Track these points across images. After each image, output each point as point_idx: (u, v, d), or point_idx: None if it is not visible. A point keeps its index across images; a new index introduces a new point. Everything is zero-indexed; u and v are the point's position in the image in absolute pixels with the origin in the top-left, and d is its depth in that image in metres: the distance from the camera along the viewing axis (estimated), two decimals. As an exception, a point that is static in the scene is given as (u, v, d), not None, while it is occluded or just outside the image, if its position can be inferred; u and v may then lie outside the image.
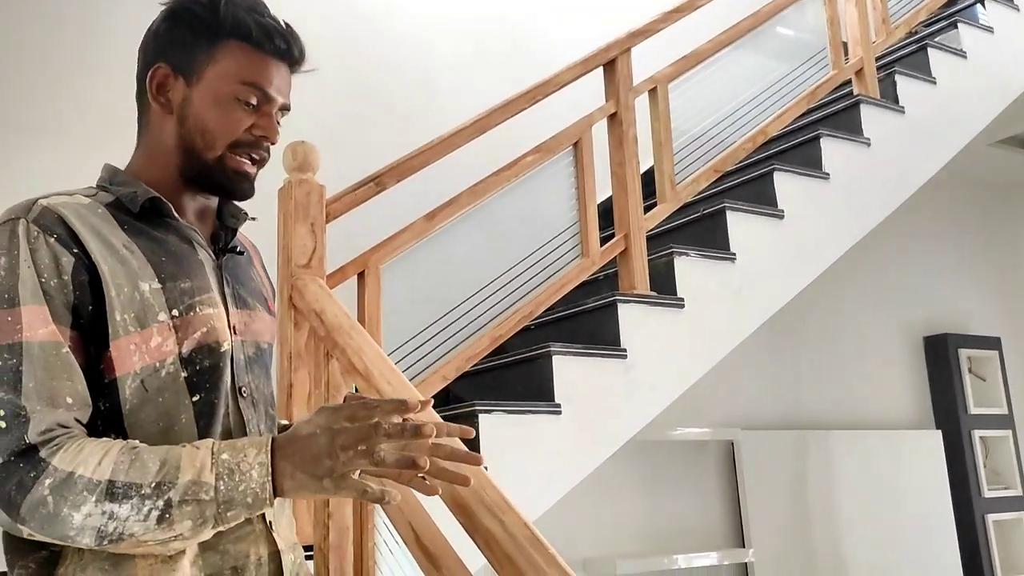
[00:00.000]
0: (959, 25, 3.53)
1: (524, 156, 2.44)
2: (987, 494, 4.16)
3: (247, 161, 1.03)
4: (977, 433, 4.25)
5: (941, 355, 4.35)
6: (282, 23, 1.05)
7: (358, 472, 0.87)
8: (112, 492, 0.82)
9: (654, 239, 2.72)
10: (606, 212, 2.64)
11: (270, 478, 0.84)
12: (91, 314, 0.91)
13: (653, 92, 2.73)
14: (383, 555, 1.76)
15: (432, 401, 1.06)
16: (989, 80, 3.51)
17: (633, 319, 2.39)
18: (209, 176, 1.03)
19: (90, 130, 2.65)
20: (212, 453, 0.85)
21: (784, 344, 3.87)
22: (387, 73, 3.31)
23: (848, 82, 3.27)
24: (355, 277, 2.17)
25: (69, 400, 0.87)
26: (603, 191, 2.69)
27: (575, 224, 2.53)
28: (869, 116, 3.08)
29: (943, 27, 3.59)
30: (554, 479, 2.18)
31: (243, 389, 1.01)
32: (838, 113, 3.14)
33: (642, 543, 3.32)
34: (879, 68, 3.31)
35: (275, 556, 0.99)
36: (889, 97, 3.20)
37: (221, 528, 0.86)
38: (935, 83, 3.32)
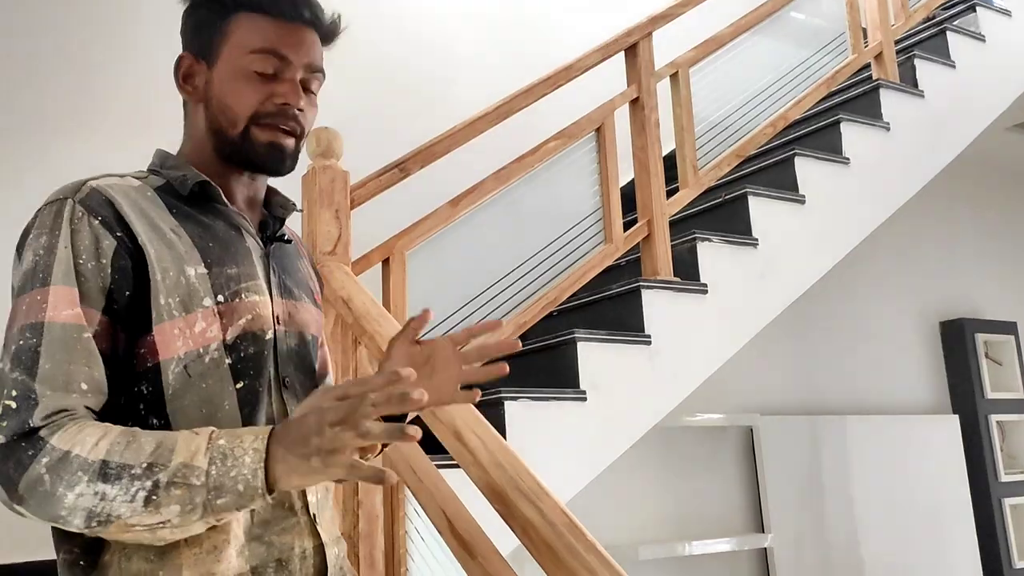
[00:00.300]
0: (977, 8, 3.51)
1: (547, 142, 2.43)
2: (1004, 478, 4.16)
3: (277, 132, 1.00)
4: (994, 418, 4.24)
5: (958, 340, 4.33)
6: None
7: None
8: (105, 472, 0.79)
9: (676, 224, 2.71)
10: (627, 197, 2.63)
11: (263, 464, 0.80)
12: (128, 299, 0.90)
13: (674, 77, 2.71)
14: (414, 543, 1.76)
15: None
16: (1007, 64, 3.48)
17: (657, 305, 2.38)
18: (239, 153, 1.00)
19: (126, 119, 2.65)
20: (209, 438, 0.82)
21: (802, 330, 3.86)
22: (408, 60, 3.30)
23: (867, 66, 3.25)
24: (380, 264, 2.16)
25: (84, 386, 0.86)
26: (623, 176, 2.67)
27: (598, 210, 2.52)
28: (888, 100, 3.06)
29: (961, 10, 3.57)
30: (580, 466, 2.18)
31: (286, 379, 0.99)
32: (857, 98, 3.12)
33: (662, 529, 3.33)
34: (898, 52, 3.28)
35: (319, 549, 0.97)
36: (908, 81, 3.18)
37: (212, 520, 0.82)
38: (954, 67, 3.30)
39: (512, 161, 2.37)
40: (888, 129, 3.01)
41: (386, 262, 2.16)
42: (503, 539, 1.57)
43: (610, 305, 2.47)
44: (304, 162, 2.02)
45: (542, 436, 2.12)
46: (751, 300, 2.57)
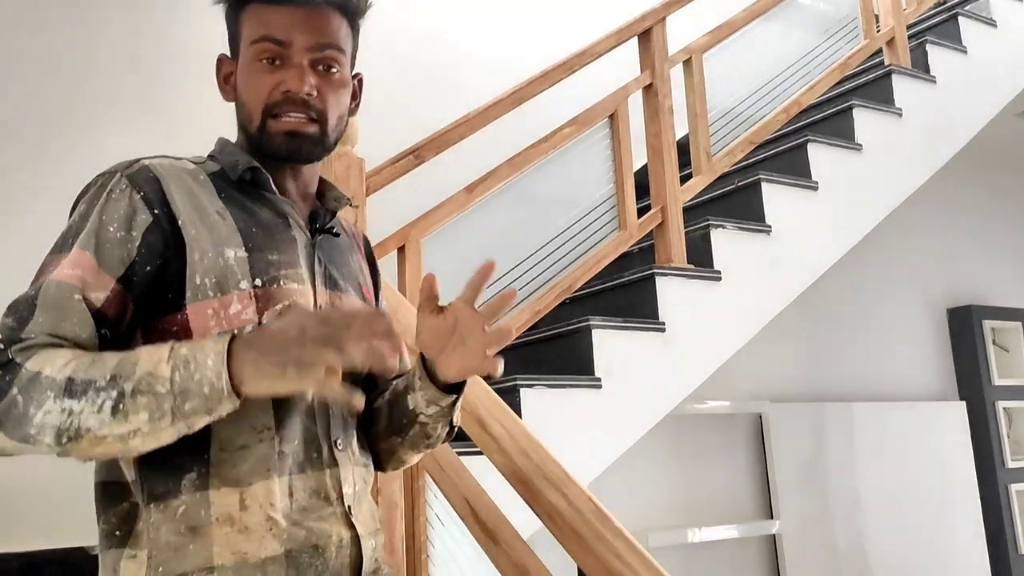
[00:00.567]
0: (989, -8, 3.49)
1: (561, 128, 2.42)
2: (1011, 464, 4.17)
3: (290, 121, 0.98)
4: (1001, 404, 4.25)
5: (965, 326, 4.34)
6: None
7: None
8: (71, 389, 0.80)
9: (689, 211, 2.70)
10: (639, 183, 2.62)
11: (226, 366, 0.80)
12: (150, 275, 0.90)
13: (688, 63, 2.70)
14: (435, 529, 1.76)
15: None
16: (1019, 49, 3.47)
17: (671, 292, 2.37)
18: (262, 147, 1.00)
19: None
20: (171, 348, 0.82)
21: (811, 317, 3.86)
22: (422, 45, 3.28)
23: (879, 52, 3.24)
24: (395, 251, 2.16)
25: (74, 344, 0.87)
26: (635, 161, 2.66)
27: (612, 197, 2.51)
28: (901, 86, 3.05)
29: (973, -5, 3.55)
30: (595, 453, 2.18)
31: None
32: (870, 83, 3.11)
33: (672, 515, 3.33)
34: (910, 37, 3.27)
35: (355, 540, 0.96)
36: (920, 67, 3.17)
37: (183, 427, 0.82)
38: (966, 52, 3.28)
39: (526, 148, 2.36)
40: (900, 115, 3.00)
41: (401, 249, 2.16)
42: (522, 525, 1.58)
43: (624, 292, 2.46)
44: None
45: (557, 423, 2.12)
46: (765, 287, 2.57)
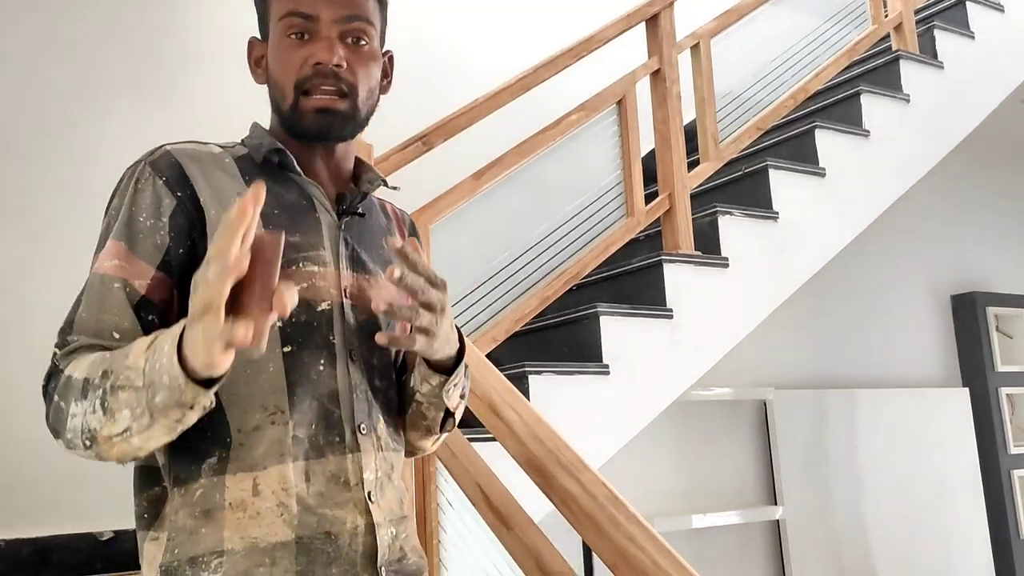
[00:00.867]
0: (996, -23, 3.47)
1: (569, 114, 2.41)
2: (1013, 451, 4.19)
3: (321, 96, 0.97)
4: (1004, 390, 4.26)
5: (969, 313, 4.34)
6: None
7: None
8: (84, 389, 0.80)
9: (696, 197, 2.70)
10: (647, 169, 2.62)
11: (176, 350, 0.73)
12: (182, 257, 0.92)
13: (695, 48, 2.68)
14: (446, 515, 1.77)
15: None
16: (1026, 34, 3.45)
17: (679, 279, 2.37)
18: (295, 126, 0.99)
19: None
20: (155, 337, 0.77)
21: (815, 304, 3.86)
22: (431, 32, 3.26)
23: (887, 37, 3.22)
24: (404, 238, 2.15)
25: (116, 335, 0.88)
26: (643, 148, 2.65)
27: (619, 183, 2.51)
28: (908, 72, 3.04)
29: (981, -21, 3.52)
30: (604, 439, 2.18)
31: (353, 353, 0.98)
32: (877, 69, 3.10)
33: (676, 501, 3.35)
34: (918, 23, 3.25)
35: (371, 528, 0.94)
36: (928, 52, 3.15)
37: (168, 423, 0.77)
38: (973, 38, 3.27)
39: (534, 134, 2.35)
40: (908, 101, 2.99)
41: (410, 236, 2.15)
42: (531, 510, 1.59)
43: (631, 279, 2.46)
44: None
45: (565, 410, 2.12)
46: (772, 273, 2.57)
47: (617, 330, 2.24)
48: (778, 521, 3.51)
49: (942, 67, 3.13)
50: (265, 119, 1.07)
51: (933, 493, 3.91)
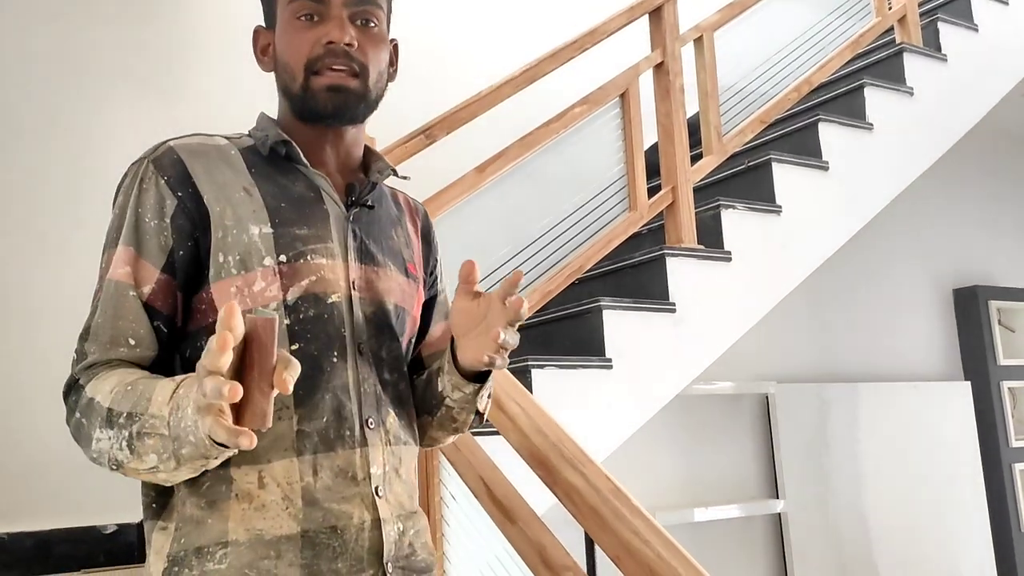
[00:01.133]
0: (1000, -31, 3.46)
1: (572, 108, 2.40)
2: (1015, 444, 4.19)
3: (332, 74, 0.97)
4: (1006, 384, 4.26)
5: (971, 307, 4.34)
6: None
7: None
8: (109, 419, 0.82)
9: (699, 191, 2.70)
10: (649, 162, 2.61)
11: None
12: (184, 258, 0.92)
13: (699, 41, 2.67)
14: (449, 508, 1.77)
15: None
16: (1030, 27, 3.44)
17: (682, 273, 2.37)
18: (306, 107, 0.99)
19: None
20: (176, 386, 0.79)
21: (817, 297, 3.86)
22: (433, 23, 3.25)
23: (891, 30, 3.21)
24: (406, 232, 2.15)
25: (131, 341, 0.89)
26: (645, 141, 2.65)
27: (622, 177, 2.50)
28: (912, 65, 3.03)
29: (985, -28, 3.51)
30: (606, 433, 2.18)
31: (362, 346, 0.97)
32: (881, 62, 3.09)
33: (678, 495, 3.35)
34: (922, 15, 3.24)
35: (377, 523, 0.93)
36: (931, 45, 3.14)
37: (196, 466, 0.80)
38: (977, 30, 3.26)
39: (537, 127, 2.35)
40: (911, 94, 2.98)
41: (412, 229, 2.15)
42: (534, 503, 1.59)
43: (634, 273, 2.46)
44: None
45: (568, 404, 2.12)
46: (775, 267, 2.57)
47: (620, 324, 2.24)
48: (779, 514, 3.52)
49: (946, 60, 3.12)
50: (269, 112, 1.06)
51: (934, 487, 3.91)
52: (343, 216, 1.00)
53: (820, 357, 3.87)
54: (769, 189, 2.61)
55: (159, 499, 0.92)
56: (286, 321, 0.92)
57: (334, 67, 0.97)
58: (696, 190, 2.61)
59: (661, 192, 2.52)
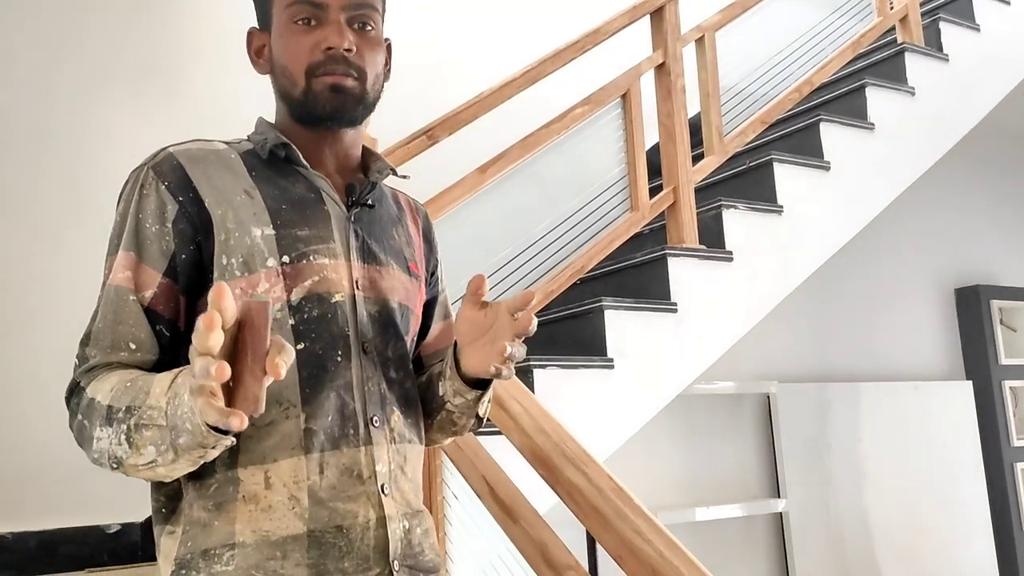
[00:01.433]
0: (1001, -31, 3.46)
1: (573, 108, 2.41)
2: (1016, 443, 4.19)
3: (333, 77, 0.97)
4: (1007, 383, 4.26)
5: (972, 306, 4.34)
6: None
7: None
8: (108, 417, 0.82)
9: (701, 191, 2.70)
10: (650, 162, 2.61)
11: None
12: (186, 262, 0.92)
13: (700, 41, 2.68)
14: (452, 507, 1.78)
15: None
16: (1031, 27, 3.44)
17: (683, 273, 2.38)
18: (306, 111, 0.99)
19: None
20: (174, 376, 0.79)
21: (819, 297, 3.86)
22: (434, 24, 3.26)
23: (892, 29, 3.21)
24: (409, 232, 2.15)
25: (132, 345, 0.90)
26: (647, 141, 2.65)
27: (624, 177, 2.51)
28: (913, 65, 3.03)
29: (986, -29, 3.51)
30: (608, 432, 2.19)
31: (366, 345, 0.98)
32: (882, 62, 3.09)
33: (680, 494, 3.36)
34: (923, 15, 3.24)
35: (383, 522, 0.93)
36: (933, 45, 3.14)
37: (193, 458, 0.80)
38: (979, 30, 3.26)
39: (539, 128, 2.35)
40: (913, 94, 2.98)
41: (415, 230, 2.15)
42: (535, 502, 1.59)
43: (636, 273, 2.47)
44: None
45: (570, 403, 2.13)
46: (776, 267, 2.57)
47: (622, 324, 2.24)
48: (781, 514, 3.52)
49: (947, 60, 3.12)
50: (269, 115, 1.07)
51: (936, 486, 3.91)
52: (344, 216, 1.01)
53: (822, 357, 3.88)
54: (771, 189, 2.61)
55: (168, 504, 0.93)
56: (291, 321, 0.93)
57: (334, 71, 0.98)
58: (697, 190, 2.61)
59: (663, 192, 2.52)
